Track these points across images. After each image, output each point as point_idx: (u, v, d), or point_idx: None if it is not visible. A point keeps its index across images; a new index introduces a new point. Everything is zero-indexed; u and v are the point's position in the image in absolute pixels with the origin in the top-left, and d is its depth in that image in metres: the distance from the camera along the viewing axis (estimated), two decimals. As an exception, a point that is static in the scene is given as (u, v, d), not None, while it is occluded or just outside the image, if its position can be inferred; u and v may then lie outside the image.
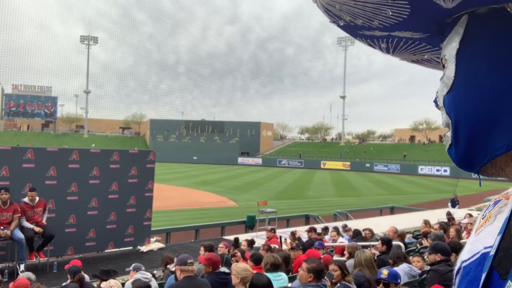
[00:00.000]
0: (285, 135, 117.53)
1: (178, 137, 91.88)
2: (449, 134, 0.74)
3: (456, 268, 0.87)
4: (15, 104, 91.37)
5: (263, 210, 15.64)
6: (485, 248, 0.77)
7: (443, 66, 0.74)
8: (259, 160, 78.66)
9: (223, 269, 5.83)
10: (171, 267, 7.01)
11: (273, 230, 10.89)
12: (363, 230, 10.72)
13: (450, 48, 0.73)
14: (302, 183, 43.22)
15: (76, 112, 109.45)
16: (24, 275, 6.18)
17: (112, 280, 5.07)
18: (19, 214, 8.88)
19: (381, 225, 11.49)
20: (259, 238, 11.78)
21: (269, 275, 5.08)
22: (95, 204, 10.69)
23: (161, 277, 7.97)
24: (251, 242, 8.69)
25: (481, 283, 0.70)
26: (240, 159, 79.20)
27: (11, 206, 8.76)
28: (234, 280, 4.77)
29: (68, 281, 6.41)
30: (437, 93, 0.76)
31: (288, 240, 10.33)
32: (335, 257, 7.71)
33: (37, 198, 9.25)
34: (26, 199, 9.11)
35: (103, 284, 5.12)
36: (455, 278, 0.86)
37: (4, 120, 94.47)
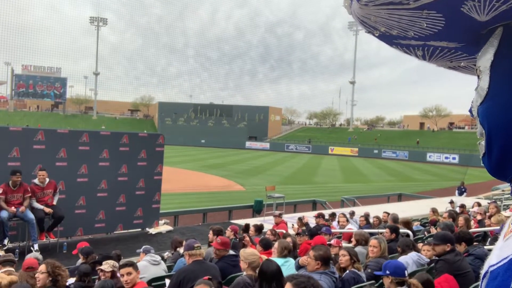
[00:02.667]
0: (293, 120, 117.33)
1: (187, 120, 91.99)
2: (483, 143, 0.76)
3: (483, 272, 0.87)
4: (25, 85, 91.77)
5: (271, 195, 15.68)
6: None
7: (478, 77, 0.76)
8: (267, 145, 78.68)
9: (231, 251, 5.89)
10: (181, 250, 7.07)
11: (280, 215, 10.93)
12: (373, 217, 10.73)
13: (485, 60, 0.74)
14: (309, 168, 43.23)
15: (85, 94, 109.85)
16: (32, 255, 6.28)
17: (110, 261, 5.13)
18: (29, 195, 8.98)
19: (388, 212, 11.52)
20: (267, 222, 11.83)
21: (278, 260, 5.11)
22: (104, 186, 10.77)
23: (171, 259, 8.03)
24: (259, 228, 8.73)
25: None
26: (248, 143, 79.27)
27: (21, 187, 8.85)
28: (243, 265, 4.80)
29: (80, 260, 6.50)
30: (472, 103, 0.78)
31: (296, 225, 10.38)
32: (343, 244, 7.73)
33: (47, 180, 9.32)
34: (36, 180, 9.19)
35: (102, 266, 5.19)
36: (482, 281, 0.87)
37: (14, 101, 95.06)
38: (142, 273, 5.68)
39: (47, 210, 9.06)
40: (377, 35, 0.84)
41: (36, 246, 8.88)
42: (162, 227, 11.90)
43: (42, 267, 4.84)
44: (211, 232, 7.72)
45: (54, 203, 9.39)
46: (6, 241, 8.58)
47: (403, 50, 0.89)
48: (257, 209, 16.53)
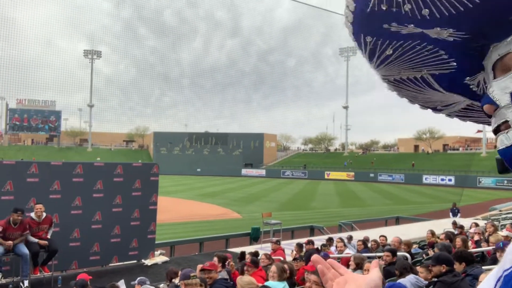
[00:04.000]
0: (288, 146, 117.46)
1: (182, 149, 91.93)
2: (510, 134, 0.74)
3: (497, 275, 0.87)
4: (20, 119, 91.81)
5: (267, 221, 15.57)
6: None
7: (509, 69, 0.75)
8: (262, 172, 78.56)
9: (222, 274, 5.85)
10: (176, 281, 6.96)
11: (278, 242, 10.82)
12: (371, 241, 10.65)
13: None
14: (306, 194, 43.08)
15: (80, 126, 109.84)
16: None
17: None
18: (28, 232, 8.85)
19: (386, 235, 11.44)
20: (264, 250, 11.69)
21: (278, 284, 5.06)
22: (99, 218, 10.68)
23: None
24: (255, 260, 8.61)
25: None
26: (244, 171, 79.13)
27: (21, 225, 8.70)
28: (240, 293, 4.74)
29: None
30: (492, 92, 0.76)
31: (294, 252, 10.27)
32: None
33: (44, 214, 9.23)
34: (33, 215, 9.08)
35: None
36: (495, 285, 0.86)
37: (8, 135, 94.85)
38: (138, 305, 5.59)
39: (42, 242, 8.93)
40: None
41: (26, 283, 8.67)
42: (158, 258, 11.74)
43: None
44: (216, 259, 7.65)
45: (48, 236, 9.27)
46: (-1, 277, 8.43)
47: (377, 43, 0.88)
48: (254, 236, 16.38)
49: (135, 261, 11.47)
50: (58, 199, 10.08)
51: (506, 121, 0.73)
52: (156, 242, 12.47)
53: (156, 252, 11.99)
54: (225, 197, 38.02)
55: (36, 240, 8.92)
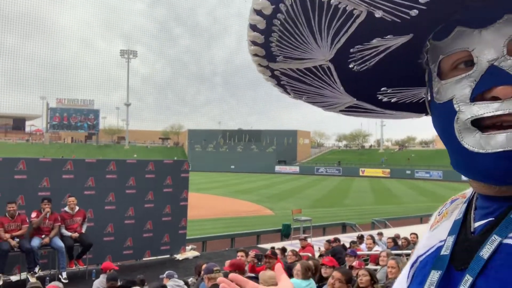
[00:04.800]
0: (322, 142, 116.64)
1: (216, 147, 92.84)
2: None
3: (411, 261, 0.90)
4: (60, 117, 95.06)
5: (297, 218, 15.55)
6: (440, 241, 0.80)
7: None
8: (296, 168, 78.33)
9: (250, 274, 5.88)
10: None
11: (306, 239, 10.81)
12: (401, 238, 10.49)
13: None
14: (340, 191, 42.68)
15: (118, 124, 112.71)
16: (53, 284, 6.40)
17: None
18: (60, 223, 9.25)
19: (419, 233, 11.20)
20: (294, 246, 11.70)
21: (301, 282, 5.07)
22: (132, 213, 10.96)
23: (195, 284, 8.04)
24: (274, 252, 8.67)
25: (438, 279, 0.72)
26: (277, 168, 79.11)
27: (52, 216, 9.13)
28: (262, 288, 4.78)
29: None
30: None
31: (322, 248, 10.25)
32: (370, 266, 7.59)
33: (77, 208, 9.59)
34: (66, 208, 9.48)
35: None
36: (409, 270, 0.89)
37: (49, 133, 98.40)
38: (166, 298, 5.73)
39: (74, 235, 9.28)
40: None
41: (64, 274, 9.05)
42: (189, 253, 11.95)
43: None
44: (239, 254, 7.74)
45: (83, 231, 9.61)
46: (37, 269, 8.79)
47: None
48: (285, 233, 16.40)
49: (167, 256, 11.71)
50: (93, 195, 10.40)
51: None
52: (188, 237, 12.69)
53: (187, 247, 12.20)
54: (258, 193, 38.16)
55: (70, 234, 9.27)
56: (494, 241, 0.67)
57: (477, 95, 0.67)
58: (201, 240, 14.73)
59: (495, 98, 0.65)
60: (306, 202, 30.51)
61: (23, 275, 8.72)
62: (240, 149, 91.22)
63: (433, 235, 0.86)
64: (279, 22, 0.73)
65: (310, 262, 6.28)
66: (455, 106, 0.70)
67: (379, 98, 0.90)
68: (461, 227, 0.78)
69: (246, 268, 6.72)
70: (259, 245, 14.26)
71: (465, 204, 0.83)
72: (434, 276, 0.73)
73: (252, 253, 8.06)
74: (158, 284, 5.07)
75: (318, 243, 12.15)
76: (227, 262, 7.49)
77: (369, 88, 0.87)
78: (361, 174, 68.96)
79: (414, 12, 0.66)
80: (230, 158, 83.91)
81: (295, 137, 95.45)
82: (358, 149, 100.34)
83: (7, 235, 8.53)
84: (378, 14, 0.67)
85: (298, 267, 5.50)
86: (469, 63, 0.70)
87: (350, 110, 0.95)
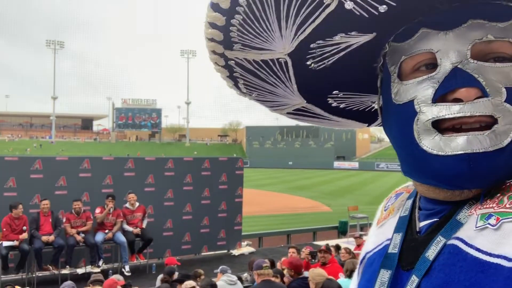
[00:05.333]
0: (382, 137, 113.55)
1: (273, 143, 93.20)
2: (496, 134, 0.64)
3: (360, 258, 0.92)
4: (125, 117, 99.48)
5: (353, 215, 15.32)
6: (387, 240, 0.81)
7: None
8: (355, 164, 76.91)
9: (306, 273, 5.88)
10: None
11: (361, 236, 10.65)
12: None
13: None
14: (401, 187, 41.40)
15: (179, 122, 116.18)
16: (113, 277, 6.76)
17: (188, 282, 5.36)
18: (122, 219, 9.74)
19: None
20: (350, 244, 11.57)
21: (348, 281, 5.04)
22: (189, 209, 11.31)
23: (249, 280, 8.19)
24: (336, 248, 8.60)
25: (388, 279, 0.73)
26: (336, 163, 78.08)
27: (114, 212, 9.63)
28: (311, 285, 4.80)
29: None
30: (487, 75, 0.67)
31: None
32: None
33: (137, 204, 10.05)
34: (127, 204, 9.95)
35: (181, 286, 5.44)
36: (359, 267, 0.92)
37: (115, 132, 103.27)
38: (219, 292, 5.88)
39: (135, 231, 9.73)
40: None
41: (127, 267, 9.54)
42: (245, 248, 12.14)
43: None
44: (290, 250, 7.79)
45: (144, 226, 10.05)
46: (100, 263, 9.33)
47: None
48: (342, 230, 16.21)
49: (224, 251, 11.97)
50: (152, 192, 10.84)
51: (491, 117, 0.64)
52: (244, 233, 12.88)
53: (243, 243, 12.40)
54: (316, 190, 37.91)
55: (131, 229, 9.73)
56: (439, 242, 0.68)
57: (439, 97, 0.66)
58: (257, 236, 14.91)
59: (456, 100, 0.65)
60: (365, 199, 29.91)
61: (88, 268, 9.27)
62: (298, 145, 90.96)
63: (381, 232, 0.86)
64: (245, 2, 0.70)
65: (355, 262, 6.19)
66: (415, 106, 0.69)
67: (329, 102, 0.89)
68: (407, 225, 0.78)
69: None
70: (315, 242, 14.21)
71: (410, 200, 0.83)
72: (385, 275, 0.74)
73: (306, 250, 8.08)
74: (208, 280, 5.22)
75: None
76: (284, 260, 7.56)
77: (322, 89, 0.86)
78: (424, 169, 66.41)
79: (383, 8, 0.66)
80: (288, 154, 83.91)
81: (354, 132, 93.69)
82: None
83: (74, 231, 9.11)
84: (349, 5, 0.66)
85: (346, 266, 5.47)
86: (431, 66, 0.70)
87: (297, 114, 0.94)
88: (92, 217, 9.46)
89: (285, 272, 5.89)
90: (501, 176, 0.66)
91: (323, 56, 0.76)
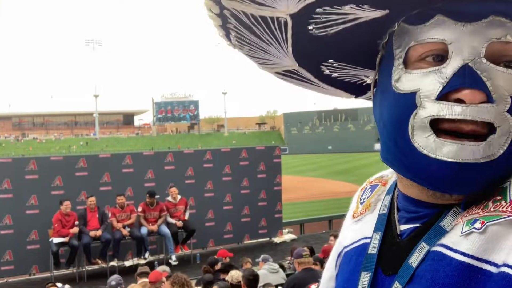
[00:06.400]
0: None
1: (312, 128, 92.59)
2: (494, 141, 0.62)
3: (337, 250, 0.92)
4: (164, 110, 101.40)
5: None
6: (365, 238, 0.80)
7: None
8: (397, 145, 75.31)
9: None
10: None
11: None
12: None
13: None
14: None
15: (217, 113, 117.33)
16: (159, 269, 6.95)
17: (233, 271, 5.45)
18: (165, 213, 9.97)
19: None
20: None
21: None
22: (229, 200, 11.45)
23: (292, 267, 8.24)
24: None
25: (368, 282, 0.73)
26: (377, 146, 76.69)
27: (157, 206, 9.87)
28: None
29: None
30: (496, 81, 0.64)
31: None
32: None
33: (179, 197, 10.26)
34: (169, 198, 10.18)
35: (227, 276, 5.54)
36: (337, 260, 0.91)
37: (156, 126, 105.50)
38: (262, 281, 5.96)
39: (178, 223, 9.96)
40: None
41: (174, 257, 9.81)
42: (286, 236, 12.20)
43: (167, 285, 5.18)
44: (331, 238, 7.76)
45: (186, 218, 10.27)
46: (147, 255, 9.63)
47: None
48: (384, 213, 15.98)
49: (266, 239, 12.09)
50: (193, 184, 11.04)
51: (491, 125, 0.62)
52: (285, 220, 12.93)
53: (284, 231, 12.47)
54: (357, 174, 37.44)
55: (174, 221, 9.98)
56: (422, 249, 0.66)
57: (443, 94, 0.63)
58: (298, 223, 14.92)
59: (459, 101, 0.62)
60: (408, 180, 29.33)
61: (135, 260, 9.59)
62: (337, 129, 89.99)
63: (357, 228, 0.85)
64: None
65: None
66: (417, 100, 0.65)
67: (321, 69, 0.84)
68: (386, 225, 0.77)
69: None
70: (357, 227, 14.07)
71: (389, 197, 0.81)
72: (365, 278, 0.73)
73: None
74: (251, 270, 5.29)
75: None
76: (322, 248, 7.56)
77: (317, 56, 0.81)
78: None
79: None
80: (327, 139, 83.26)
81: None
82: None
83: (120, 225, 9.43)
84: None
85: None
86: (439, 57, 0.66)
87: (286, 75, 0.88)
88: (136, 210, 9.76)
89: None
90: (487, 186, 0.64)
91: (326, 24, 0.71)
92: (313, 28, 0.72)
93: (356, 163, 49.10)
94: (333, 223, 15.48)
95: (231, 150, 12.08)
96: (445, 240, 0.65)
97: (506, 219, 0.60)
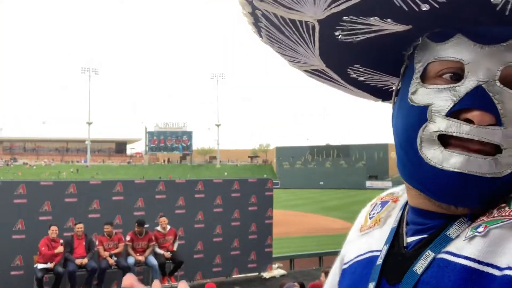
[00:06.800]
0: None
1: (304, 163, 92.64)
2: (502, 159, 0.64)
3: (342, 259, 0.92)
4: (157, 140, 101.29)
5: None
6: (372, 252, 0.81)
7: None
8: (389, 183, 75.26)
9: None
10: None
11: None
12: None
13: None
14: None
15: (209, 145, 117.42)
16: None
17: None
18: (154, 243, 9.80)
19: None
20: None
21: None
22: (219, 231, 11.30)
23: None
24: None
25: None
26: (369, 183, 76.87)
27: (146, 236, 9.71)
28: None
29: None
30: (506, 104, 0.65)
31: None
32: None
33: (168, 227, 10.11)
34: (159, 227, 10.03)
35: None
36: (339, 270, 0.91)
37: (148, 155, 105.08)
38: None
39: (166, 254, 9.77)
40: None
41: (158, 290, 9.55)
42: (276, 271, 11.98)
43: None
44: (323, 275, 7.62)
45: (175, 249, 10.09)
46: (132, 285, 9.39)
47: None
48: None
49: (255, 274, 11.86)
50: (183, 214, 10.91)
51: (498, 147, 0.63)
52: (275, 255, 12.74)
53: (274, 266, 12.26)
54: (348, 210, 37.26)
55: (162, 252, 9.79)
56: (427, 256, 0.67)
57: (454, 112, 0.65)
58: (288, 258, 14.71)
59: (468, 121, 0.63)
60: (399, 219, 29.22)
61: (121, 290, 9.33)
62: (329, 165, 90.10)
63: (364, 241, 0.85)
64: None
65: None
66: (428, 114, 0.67)
67: (348, 72, 0.87)
68: (394, 237, 0.77)
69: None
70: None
71: (400, 212, 0.82)
72: None
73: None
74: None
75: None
76: (310, 284, 7.42)
77: (344, 60, 0.83)
78: (460, 188, 64.57)
79: (425, 7, 0.63)
80: (318, 174, 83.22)
81: (386, 151, 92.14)
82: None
83: (106, 253, 9.23)
84: None
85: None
86: (456, 76, 0.67)
87: (314, 73, 0.91)
88: (123, 239, 9.58)
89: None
90: (490, 201, 0.65)
91: (352, 32, 0.73)
92: (340, 34, 0.75)
93: (348, 200, 48.94)
94: (324, 260, 15.27)
95: (223, 181, 12.01)
96: (450, 248, 0.66)
97: (508, 222, 0.61)
